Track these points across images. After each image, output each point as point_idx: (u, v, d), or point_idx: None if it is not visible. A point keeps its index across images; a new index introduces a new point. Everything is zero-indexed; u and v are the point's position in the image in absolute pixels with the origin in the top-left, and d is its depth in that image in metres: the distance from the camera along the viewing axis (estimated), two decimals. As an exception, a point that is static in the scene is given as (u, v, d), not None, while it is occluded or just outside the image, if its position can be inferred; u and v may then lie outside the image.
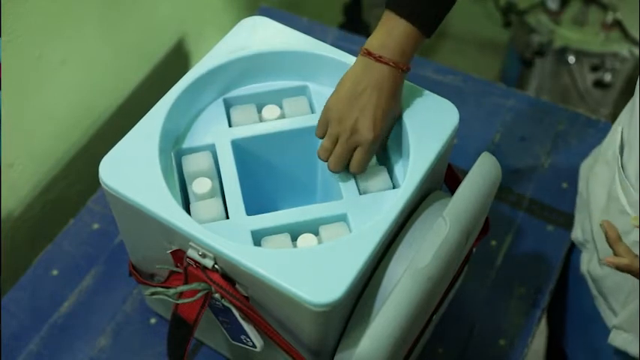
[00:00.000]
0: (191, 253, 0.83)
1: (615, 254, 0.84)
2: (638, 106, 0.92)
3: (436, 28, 0.88)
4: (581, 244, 1.13)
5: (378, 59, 0.86)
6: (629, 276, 0.94)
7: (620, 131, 0.98)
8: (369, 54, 0.87)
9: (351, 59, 0.98)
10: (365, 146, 0.88)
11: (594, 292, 1.08)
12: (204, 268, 0.83)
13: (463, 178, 0.87)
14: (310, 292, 0.76)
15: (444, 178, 1.00)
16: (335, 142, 0.90)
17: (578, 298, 1.17)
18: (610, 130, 1.08)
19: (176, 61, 1.49)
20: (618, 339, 1.04)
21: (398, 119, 0.93)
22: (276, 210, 0.89)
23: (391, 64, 0.86)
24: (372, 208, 0.88)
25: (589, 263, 1.09)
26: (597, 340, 1.10)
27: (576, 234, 1.15)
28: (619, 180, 0.96)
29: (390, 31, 0.86)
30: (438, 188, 0.99)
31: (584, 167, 1.18)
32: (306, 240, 0.86)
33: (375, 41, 0.87)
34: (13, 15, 1.07)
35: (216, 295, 0.84)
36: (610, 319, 1.05)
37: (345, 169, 0.91)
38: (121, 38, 1.33)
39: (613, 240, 0.84)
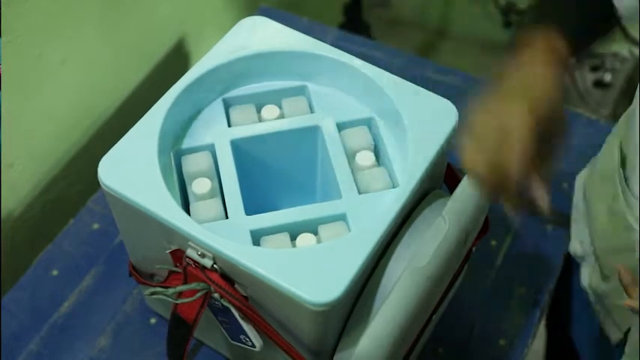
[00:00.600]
0: (190, 252, 0.83)
1: (630, 297, 0.84)
2: (639, 116, 0.90)
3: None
4: (581, 257, 1.12)
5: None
6: None
7: (619, 145, 0.97)
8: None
9: (350, 59, 0.98)
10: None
11: (597, 306, 1.07)
12: (204, 267, 0.83)
13: (462, 177, 0.87)
14: (309, 291, 0.76)
15: (444, 177, 1.00)
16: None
17: (585, 304, 1.16)
18: (605, 143, 1.07)
19: (176, 61, 1.49)
20: None
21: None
22: (276, 210, 0.89)
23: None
24: (371, 207, 0.88)
25: (590, 278, 1.08)
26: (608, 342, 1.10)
27: (574, 247, 1.13)
28: (622, 195, 0.95)
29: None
30: (438, 188, 0.99)
31: (580, 179, 1.16)
32: (305, 239, 0.86)
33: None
34: (13, 15, 1.07)
35: (216, 295, 0.84)
36: (615, 334, 1.05)
37: (344, 168, 0.92)
38: (120, 38, 1.33)
39: (627, 284, 0.84)
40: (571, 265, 1.21)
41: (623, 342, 1.03)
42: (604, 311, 1.05)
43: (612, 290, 1.02)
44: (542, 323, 1.37)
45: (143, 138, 0.90)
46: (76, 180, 1.33)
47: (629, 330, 1.01)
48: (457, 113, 0.92)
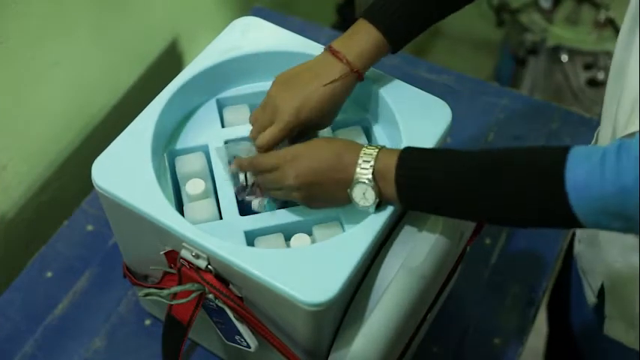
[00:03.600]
0: (184, 253, 0.83)
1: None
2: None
3: (404, 45, 0.91)
4: None
5: (335, 54, 0.88)
6: (598, 257, 0.96)
7: None
8: (329, 48, 0.89)
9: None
10: (277, 125, 0.87)
11: (579, 271, 1.09)
12: (198, 268, 0.83)
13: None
14: (304, 291, 0.76)
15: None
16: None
17: (580, 293, 1.17)
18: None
19: (169, 62, 1.49)
20: (613, 328, 1.03)
21: (331, 123, 0.92)
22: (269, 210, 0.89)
23: (344, 61, 0.87)
24: (365, 207, 0.88)
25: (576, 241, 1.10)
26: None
27: None
28: None
29: (357, 35, 0.89)
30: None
31: None
32: (299, 240, 0.86)
33: (339, 40, 0.90)
34: (6, 17, 1.07)
35: (210, 296, 0.84)
36: (590, 298, 1.06)
37: None
38: (114, 39, 1.32)
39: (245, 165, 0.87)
40: (571, 253, 1.21)
41: (599, 306, 1.04)
42: (581, 274, 1.07)
43: (583, 252, 1.04)
44: (543, 320, 1.38)
45: (136, 139, 0.90)
46: (70, 181, 1.32)
47: (601, 292, 1.02)
48: (451, 112, 0.92)
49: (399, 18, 0.88)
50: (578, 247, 1.08)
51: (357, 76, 0.89)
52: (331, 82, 0.87)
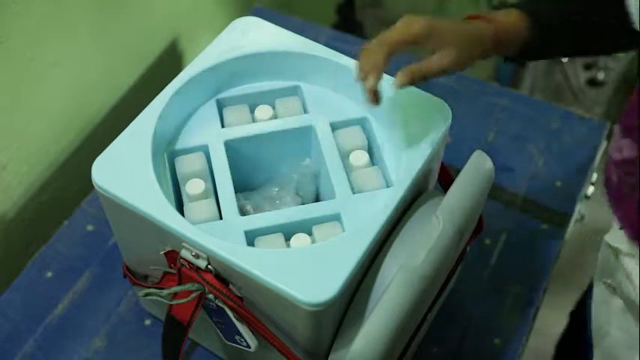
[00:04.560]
0: (184, 253, 0.83)
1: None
2: None
3: (545, 42, 0.86)
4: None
5: (469, 16, 0.85)
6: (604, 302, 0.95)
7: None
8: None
9: (344, 59, 0.98)
10: (390, 35, 0.86)
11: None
12: (198, 268, 0.83)
13: (456, 177, 0.88)
14: (304, 291, 0.76)
15: (438, 176, 1.00)
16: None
17: None
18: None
19: (169, 62, 1.49)
20: None
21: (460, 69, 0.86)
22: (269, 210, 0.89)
23: (481, 17, 0.84)
24: (365, 207, 0.88)
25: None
26: None
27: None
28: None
29: (496, 12, 0.85)
30: (432, 187, 0.99)
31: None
32: (299, 240, 0.86)
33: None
34: (6, 17, 1.07)
35: (210, 296, 0.84)
36: None
37: (338, 168, 0.92)
38: (113, 39, 1.32)
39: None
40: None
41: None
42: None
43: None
44: (543, 320, 1.37)
45: (137, 139, 0.90)
46: (70, 181, 1.32)
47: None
48: (451, 112, 0.92)
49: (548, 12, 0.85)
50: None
51: (493, 28, 0.83)
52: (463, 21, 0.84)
